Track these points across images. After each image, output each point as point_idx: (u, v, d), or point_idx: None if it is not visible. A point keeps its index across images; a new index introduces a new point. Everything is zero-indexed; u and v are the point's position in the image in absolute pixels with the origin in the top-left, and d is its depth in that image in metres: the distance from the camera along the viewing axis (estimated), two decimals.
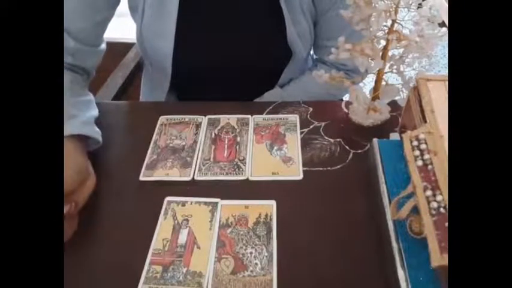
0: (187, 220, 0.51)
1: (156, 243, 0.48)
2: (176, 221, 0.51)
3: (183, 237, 0.49)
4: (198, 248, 0.48)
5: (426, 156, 0.42)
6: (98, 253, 0.48)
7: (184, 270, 0.46)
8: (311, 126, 0.64)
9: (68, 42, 0.63)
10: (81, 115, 0.57)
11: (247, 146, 0.61)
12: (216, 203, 0.52)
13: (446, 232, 0.36)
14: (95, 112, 0.60)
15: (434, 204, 0.38)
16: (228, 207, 0.52)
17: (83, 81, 0.66)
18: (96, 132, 0.57)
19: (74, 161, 0.51)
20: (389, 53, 0.55)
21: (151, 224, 0.50)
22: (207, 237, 0.49)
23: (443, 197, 0.38)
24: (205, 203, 0.53)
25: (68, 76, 0.62)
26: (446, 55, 1.87)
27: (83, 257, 0.48)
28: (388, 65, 0.56)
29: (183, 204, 0.53)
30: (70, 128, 0.53)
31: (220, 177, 0.56)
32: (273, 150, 0.60)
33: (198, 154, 0.60)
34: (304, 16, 0.70)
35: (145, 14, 0.68)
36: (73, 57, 0.64)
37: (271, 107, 0.68)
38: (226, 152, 0.60)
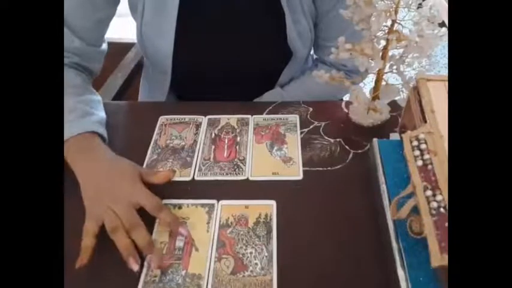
0: (184, 223, 0.51)
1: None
2: None
3: (180, 240, 0.49)
4: (196, 250, 0.48)
5: (426, 156, 0.42)
6: (96, 257, 0.47)
7: (183, 273, 0.46)
8: (311, 126, 0.64)
9: (73, 42, 0.63)
10: (96, 114, 0.59)
11: (247, 146, 0.61)
12: (213, 205, 0.52)
13: (446, 232, 0.36)
14: (104, 114, 0.62)
15: (434, 204, 0.38)
16: (228, 207, 0.52)
17: (90, 81, 0.68)
18: (105, 134, 0.59)
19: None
20: (390, 53, 0.55)
21: (150, 226, 0.50)
22: (204, 239, 0.49)
23: (443, 197, 0.38)
24: (202, 205, 0.52)
25: (80, 74, 0.64)
26: (446, 55, 1.87)
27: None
28: (388, 65, 0.56)
29: (180, 207, 0.53)
30: (86, 125, 0.55)
31: (220, 177, 0.56)
32: (273, 150, 0.60)
33: (198, 154, 0.60)
34: (305, 16, 0.70)
35: (145, 13, 0.68)
36: (80, 57, 0.65)
37: (271, 107, 0.68)
38: (226, 152, 0.60)
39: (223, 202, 0.53)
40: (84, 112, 0.57)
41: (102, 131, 0.58)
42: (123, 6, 0.70)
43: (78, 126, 0.55)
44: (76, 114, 0.56)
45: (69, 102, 0.57)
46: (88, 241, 0.46)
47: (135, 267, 0.45)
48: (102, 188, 0.50)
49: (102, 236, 0.49)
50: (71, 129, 0.54)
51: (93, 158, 0.53)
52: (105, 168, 0.52)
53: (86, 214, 0.48)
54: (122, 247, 0.46)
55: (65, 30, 0.62)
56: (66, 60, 0.64)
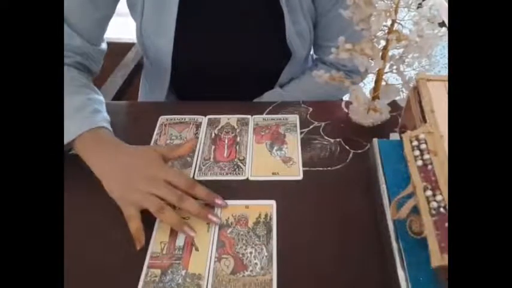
0: (185, 222, 0.50)
1: (154, 246, 0.48)
2: None
3: (180, 240, 0.49)
4: (197, 250, 0.48)
5: (426, 156, 0.42)
6: (97, 256, 0.48)
7: (183, 272, 0.46)
8: (311, 126, 0.64)
9: (75, 40, 0.63)
10: (103, 112, 0.59)
11: (247, 146, 0.61)
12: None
13: (446, 232, 0.36)
14: (107, 115, 0.62)
15: (434, 204, 0.38)
16: (228, 207, 0.52)
17: (91, 81, 0.68)
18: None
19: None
20: (390, 53, 0.55)
21: (149, 226, 0.50)
22: (205, 239, 0.49)
23: (443, 197, 0.38)
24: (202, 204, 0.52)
25: (82, 74, 0.64)
26: (446, 55, 1.87)
27: (82, 261, 0.47)
28: (388, 65, 0.56)
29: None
30: (98, 120, 0.56)
31: (220, 177, 0.56)
32: (273, 151, 0.60)
33: (198, 154, 0.60)
34: (304, 16, 0.70)
35: (145, 11, 0.68)
36: (81, 57, 0.65)
37: (271, 107, 0.68)
38: (226, 152, 0.60)
39: None
40: (94, 109, 0.58)
41: (110, 129, 0.58)
42: (123, 6, 0.70)
43: (91, 122, 0.55)
44: (87, 110, 0.56)
45: (77, 99, 0.57)
46: (136, 225, 0.48)
47: (193, 232, 0.48)
48: (130, 175, 0.50)
49: (103, 236, 0.50)
50: (84, 124, 0.54)
51: (112, 149, 0.54)
52: (127, 156, 0.53)
53: (120, 204, 0.50)
54: (174, 223, 0.48)
55: (66, 28, 0.62)
56: (68, 60, 0.63)
